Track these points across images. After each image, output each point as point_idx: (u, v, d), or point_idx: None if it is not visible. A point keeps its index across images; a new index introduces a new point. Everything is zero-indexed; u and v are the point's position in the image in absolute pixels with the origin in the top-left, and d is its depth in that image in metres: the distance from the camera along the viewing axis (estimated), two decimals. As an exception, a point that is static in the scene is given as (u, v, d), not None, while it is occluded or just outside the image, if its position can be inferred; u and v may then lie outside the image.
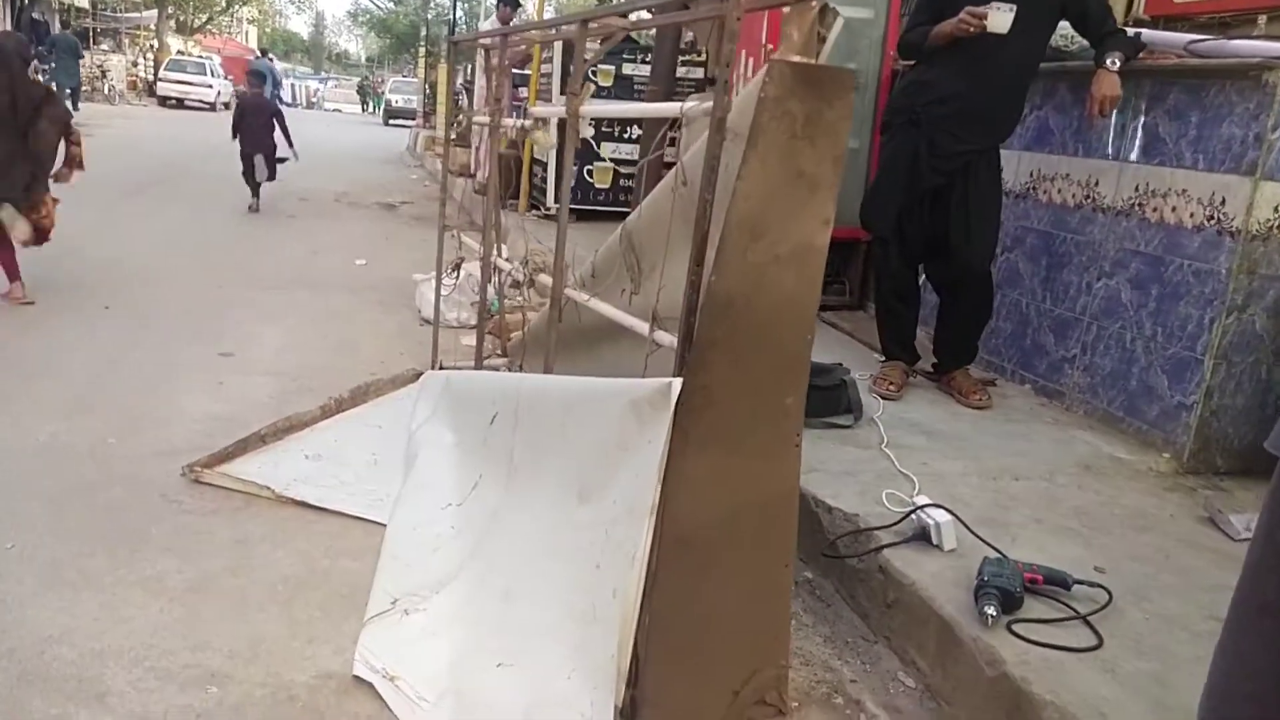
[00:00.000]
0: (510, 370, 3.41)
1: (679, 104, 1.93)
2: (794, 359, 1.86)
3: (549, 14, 12.21)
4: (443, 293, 4.26)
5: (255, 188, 9.01)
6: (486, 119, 3.43)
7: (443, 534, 2.63)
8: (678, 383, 1.81)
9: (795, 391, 1.89)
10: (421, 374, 4.22)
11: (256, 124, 8.91)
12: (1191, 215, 3.21)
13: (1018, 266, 4.00)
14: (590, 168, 8.26)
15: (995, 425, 3.47)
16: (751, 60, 4.73)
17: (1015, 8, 3.18)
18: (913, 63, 3.73)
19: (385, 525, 2.80)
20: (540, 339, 3.48)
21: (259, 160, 8.94)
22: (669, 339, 2.04)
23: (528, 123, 2.99)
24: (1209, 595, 2.33)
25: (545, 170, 8.29)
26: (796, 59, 1.69)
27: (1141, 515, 2.80)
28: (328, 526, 2.82)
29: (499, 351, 4.05)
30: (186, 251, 6.92)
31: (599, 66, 8.10)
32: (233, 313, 5.22)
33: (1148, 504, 2.89)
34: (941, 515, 2.43)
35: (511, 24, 9.41)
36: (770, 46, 4.54)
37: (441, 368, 4.28)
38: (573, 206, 8.25)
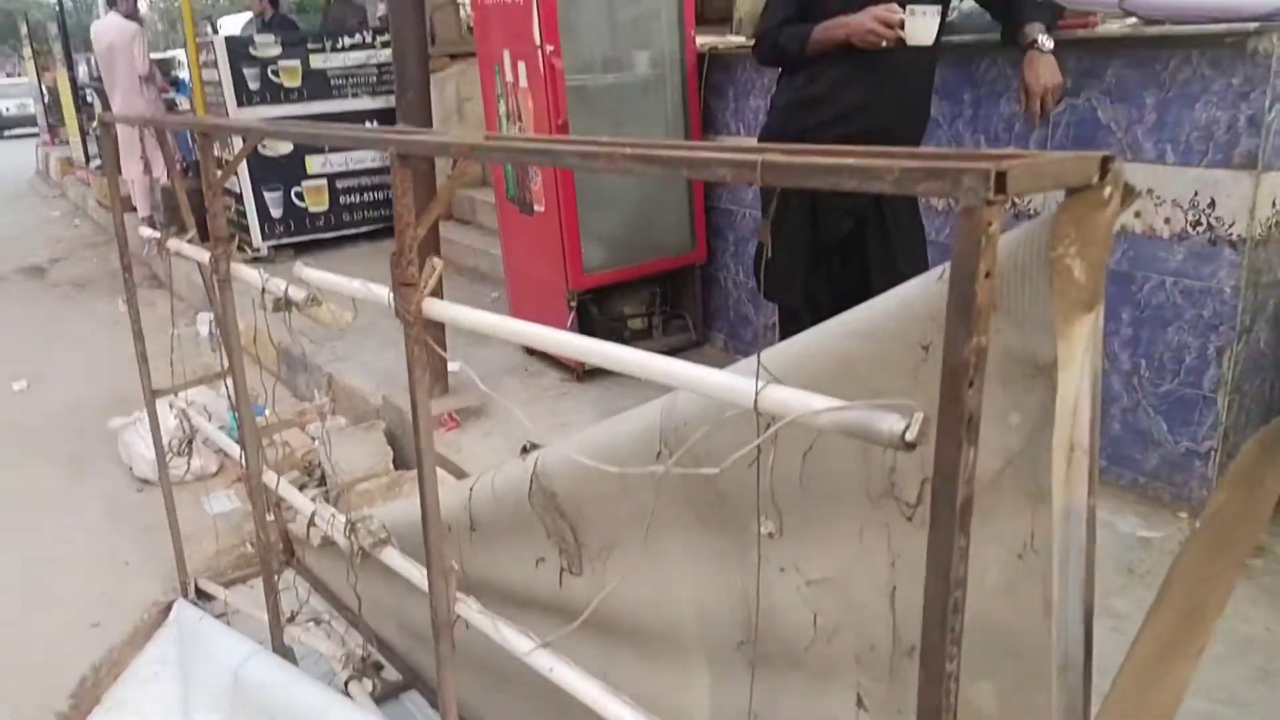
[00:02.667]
0: (352, 669, 2.19)
1: (749, 386, 0.88)
2: None
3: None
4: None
5: None
6: (206, 256, 2.16)
7: None
8: None
9: None
10: (171, 604, 2.91)
11: None
12: (1167, 221, 2.56)
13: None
14: (299, 189, 6.72)
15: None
16: (523, 64, 3.61)
17: (939, 7, 2.37)
18: (779, 70, 2.80)
19: None
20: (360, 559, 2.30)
21: None
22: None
23: (299, 293, 1.77)
24: None
25: (240, 201, 6.64)
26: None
27: (1245, 646, 2.16)
28: None
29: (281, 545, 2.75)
30: None
31: (280, 64, 6.53)
32: None
33: (1225, 615, 2.26)
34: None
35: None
36: (550, 47, 3.45)
37: (196, 590, 2.97)
38: (289, 241, 6.76)
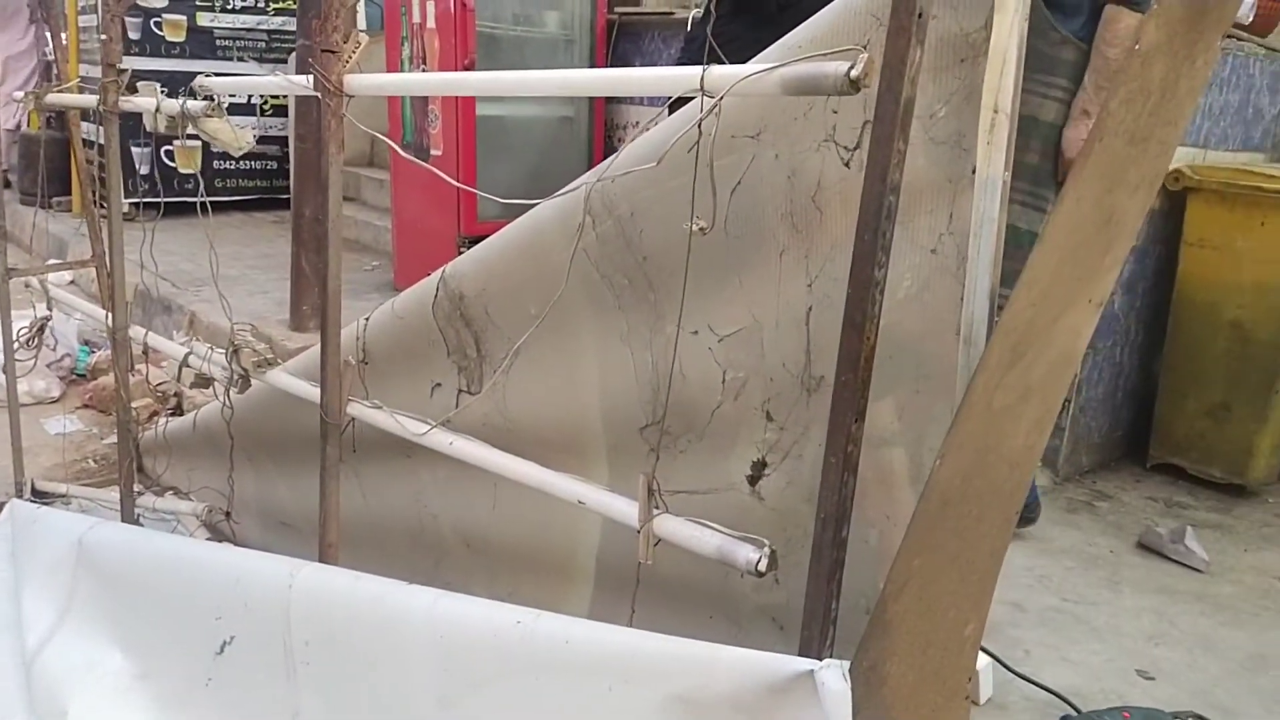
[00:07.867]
0: (210, 520, 2.07)
1: (697, 70, 0.91)
2: (991, 561, 0.97)
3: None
4: (17, 363, 2.70)
5: None
6: (87, 97, 2.05)
7: None
8: (837, 674, 0.84)
9: (979, 612, 1.00)
10: (3, 505, 2.68)
11: None
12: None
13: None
14: (170, 147, 6.41)
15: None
16: (431, 4, 3.59)
17: None
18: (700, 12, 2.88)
19: None
20: (216, 441, 2.19)
21: None
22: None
23: (195, 104, 1.70)
24: (1265, 679, 1.89)
25: (103, 154, 6.27)
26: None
27: (1092, 562, 2.31)
28: None
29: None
30: None
31: (165, 16, 6.27)
32: None
33: (1076, 541, 2.41)
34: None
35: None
36: (463, -15, 3.45)
37: (34, 490, 2.76)
38: (157, 200, 6.42)
